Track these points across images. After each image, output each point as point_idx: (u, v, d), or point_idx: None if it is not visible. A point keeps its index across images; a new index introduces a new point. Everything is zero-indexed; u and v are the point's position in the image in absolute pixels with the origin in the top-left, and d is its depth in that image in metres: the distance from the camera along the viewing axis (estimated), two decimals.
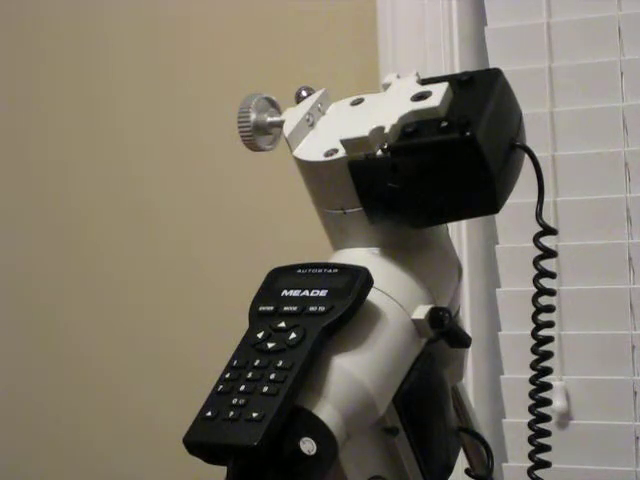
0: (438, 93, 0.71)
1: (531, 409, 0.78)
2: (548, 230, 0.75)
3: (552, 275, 0.76)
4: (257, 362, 0.65)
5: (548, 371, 0.77)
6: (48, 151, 1.80)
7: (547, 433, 0.78)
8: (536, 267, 0.76)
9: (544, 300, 0.76)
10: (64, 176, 1.79)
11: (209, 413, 0.64)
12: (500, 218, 1.47)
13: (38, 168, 1.81)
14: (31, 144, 1.81)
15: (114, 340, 1.77)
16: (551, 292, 0.76)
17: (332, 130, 0.75)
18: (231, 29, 1.66)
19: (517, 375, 1.47)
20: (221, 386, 0.65)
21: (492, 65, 1.48)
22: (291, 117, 0.77)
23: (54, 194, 1.80)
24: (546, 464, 0.78)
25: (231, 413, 0.63)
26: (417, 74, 0.76)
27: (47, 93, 1.79)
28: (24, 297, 1.84)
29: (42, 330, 1.82)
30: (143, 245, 1.74)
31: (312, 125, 0.77)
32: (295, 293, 0.69)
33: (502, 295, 1.50)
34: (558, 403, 1.44)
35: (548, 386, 0.78)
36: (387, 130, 0.70)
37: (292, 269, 0.71)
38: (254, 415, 0.62)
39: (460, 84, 0.73)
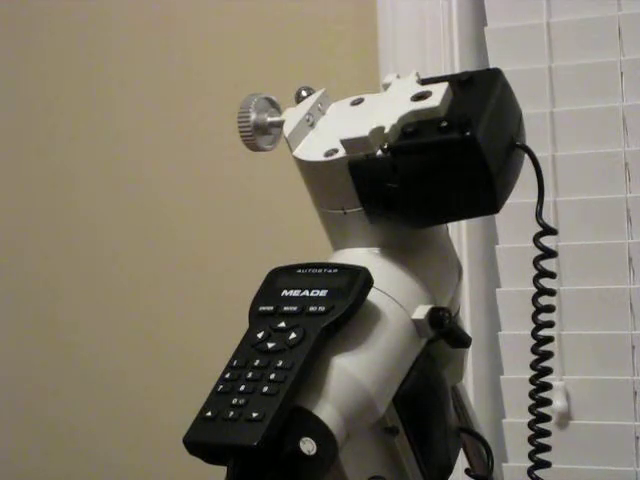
0: (438, 93, 0.71)
1: (531, 409, 0.78)
2: (548, 230, 0.75)
3: (552, 275, 0.76)
4: (257, 362, 0.65)
5: (548, 371, 0.77)
6: (51, 149, 1.80)
7: (547, 433, 0.78)
8: (536, 267, 0.76)
9: (544, 300, 0.76)
10: (67, 174, 1.79)
11: (209, 413, 0.64)
12: (500, 218, 1.47)
13: (41, 166, 1.81)
14: (34, 143, 1.81)
15: (115, 339, 1.77)
16: (551, 292, 0.76)
17: (332, 130, 0.75)
18: (231, 29, 1.66)
19: (517, 375, 1.47)
20: (221, 386, 0.65)
21: (492, 65, 1.48)
22: (291, 117, 0.77)
23: (57, 192, 1.80)
24: (546, 464, 0.78)
25: (231, 413, 0.63)
26: (417, 74, 0.76)
27: (50, 91, 1.79)
28: (27, 295, 1.84)
29: (45, 328, 1.82)
30: (144, 244, 1.74)
31: (312, 125, 0.77)
32: (295, 293, 0.69)
33: (502, 295, 1.50)
34: (558, 403, 1.44)
35: (548, 386, 0.78)
36: (387, 130, 0.70)
37: (292, 269, 0.71)
38: (254, 415, 0.62)
39: (460, 84, 0.73)
